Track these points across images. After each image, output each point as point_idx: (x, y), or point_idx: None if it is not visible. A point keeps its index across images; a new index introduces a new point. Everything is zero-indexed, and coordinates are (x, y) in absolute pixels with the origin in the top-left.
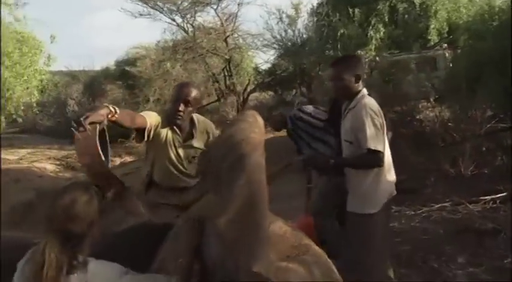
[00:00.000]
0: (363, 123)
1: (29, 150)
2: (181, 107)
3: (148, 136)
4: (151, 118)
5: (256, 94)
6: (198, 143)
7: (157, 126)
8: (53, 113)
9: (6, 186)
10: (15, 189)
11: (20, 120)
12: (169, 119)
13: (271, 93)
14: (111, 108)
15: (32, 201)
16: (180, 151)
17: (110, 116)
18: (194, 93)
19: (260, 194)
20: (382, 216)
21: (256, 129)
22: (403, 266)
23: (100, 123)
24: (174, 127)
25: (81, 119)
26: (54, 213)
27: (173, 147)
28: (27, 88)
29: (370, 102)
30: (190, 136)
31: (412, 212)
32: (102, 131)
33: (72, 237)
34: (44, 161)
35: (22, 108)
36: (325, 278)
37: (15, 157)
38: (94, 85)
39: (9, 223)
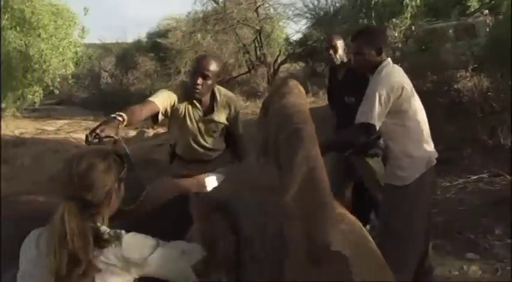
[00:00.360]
0: (367, 95)
1: (66, 121)
2: (199, 81)
3: (165, 115)
4: (162, 99)
5: (287, 65)
6: (218, 116)
7: (173, 102)
8: (87, 85)
9: (45, 156)
10: (54, 159)
11: (56, 91)
12: (188, 93)
13: (302, 64)
14: (118, 118)
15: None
16: (201, 125)
17: (120, 125)
18: (213, 66)
19: (319, 167)
20: (421, 186)
21: (303, 101)
22: (439, 237)
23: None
24: (194, 101)
25: (95, 135)
26: (70, 179)
27: (193, 121)
28: (63, 60)
29: (388, 73)
30: (211, 110)
31: (448, 183)
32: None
33: (89, 206)
34: (80, 131)
35: (58, 80)
36: (360, 246)
37: (53, 128)
38: (126, 57)
39: (48, 193)
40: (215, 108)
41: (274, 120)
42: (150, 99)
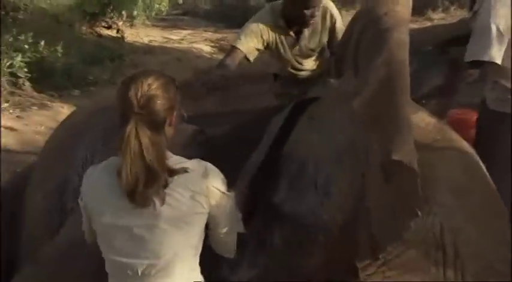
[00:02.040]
0: None
1: (189, 32)
2: (315, 13)
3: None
4: (247, 43)
5: None
6: (313, 40)
7: (261, 40)
8: None
9: (170, 64)
10: (177, 67)
11: (180, 1)
12: (295, 22)
13: None
14: None
15: (190, 79)
16: (295, 51)
17: None
18: None
19: (401, 75)
20: None
21: (401, 1)
22: None
23: None
24: (289, 30)
25: None
26: (134, 95)
27: (287, 50)
28: None
29: None
30: (306, 34)
31: None
32: None
33: (156, 121)
34: (201, 42)
35: None
36: (469, 174)
37: (177, 37)
38: None
39: None
40: (308, 32)
41: (360, 21)
42: (236, 45)
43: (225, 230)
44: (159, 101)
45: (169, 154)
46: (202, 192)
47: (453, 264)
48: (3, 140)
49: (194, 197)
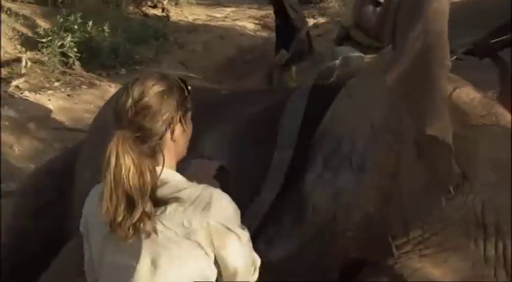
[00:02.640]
0: None
1: (233, 9)
2: None
3: None
4: None
5: None
6: None
7: None
8: None
9: (213, 42)
10: (220, 45)
11: None
12: None
13: None
14: None
15: (233, 57)
16: None
17: None
18: None
19: (439, 47)
20: None
21: None
22: None
23: None
24: None
25: None
26: (123, 104)
27: None
28: None
29: None
30: None
31: None
32: None
33: (147, 137)
34: (245, 19)
35: None
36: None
37: (221, 15)
38: None
39: (213, 78)
40: None
41: None
42: None
43: (233, 278)
44: (151, 114)
45: (170, 176)
46: (201, 230)
47: (494, 242)
48: (56, 118)
49: (189, 236)
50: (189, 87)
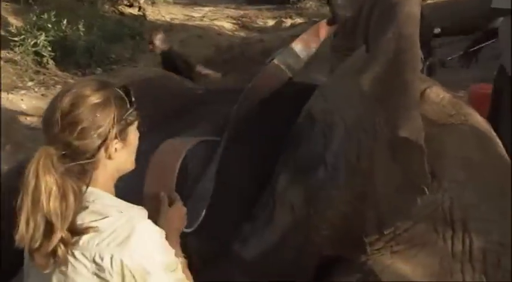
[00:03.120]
0: None
1: (210, 9)
2: None
3: None
4: None
5: None
6: None
7: None
8: None
9: (191, 41)
10: (198, 45)
11: None
12: None
13: None
14: None
15: (211, 57)
16: None
17: None
18: None
19: (410, 50)
20: None
21: None
22: None
23: None
24: None
25: None
26: (52, 117)
27: None
28: None
29: None
30: None
31: None
32: None
33: (75, 155)
34: (223, 19)
35: None
36: (482, 149)
37: (199, 15)
38: None
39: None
40: None
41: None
42: None
43: None
44: (81, 130)
45: (97, 199)
46: (114, 268)
47: (461, 239)
48: (29, 119)
49: (99, 273)
50: (133, 98)
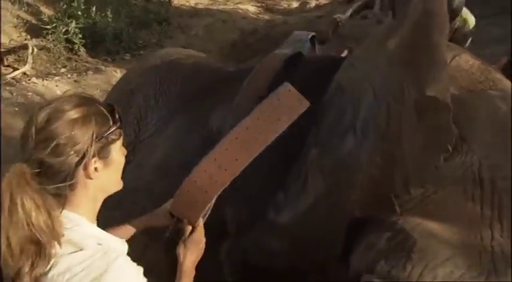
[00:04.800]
0: None
1: None
2: None
3: None
4: None
5: None
6: None
7: None
8: None
9: (215, 26)
10: (222, 29)
11: None
12: None
13: None
14: None
15: (236, 40)
16: None
17: None
18: None
19: (437, 12)
20: None
21: None
22: None
23: None
24: None
25: None
26: (27, 133)
27: None
28: None
29: None
30: None
31: None
32: None
33: (51, 175)
34: (247, 2)
35: None
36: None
37: None
38: None
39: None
40: None
41: None
42: None
43: None
44: (55, 146)
45: (75, 226)
46: None
47: (490, 199)
48: None
49: None
50: (118, 115)
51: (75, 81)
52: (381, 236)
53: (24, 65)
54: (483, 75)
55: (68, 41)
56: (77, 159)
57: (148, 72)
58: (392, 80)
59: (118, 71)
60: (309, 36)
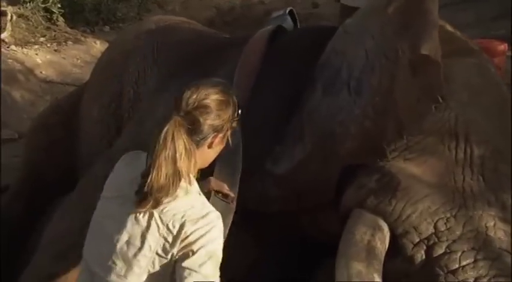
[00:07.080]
0: None
1: None
2: None
3: None
4: None
5: None
6: None
7: None
8: None
9: (191, 2)
10: (199, 6)
11: None
12: None
13: None
14: None
15: (213, 18)
16: None
17: None
18: None
19: None
20: None
21: None
22: None
23: None
24: None
25: None
26: (188, 99)
27: None
28: None
29: None
30: None
31: None
32: None
33: (195, 133)
34: None
35: None
36: (484, 78)
37: None
38: None
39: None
40: None
41: None
42: None
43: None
44: (207, 114)
45: (190, 186)
46: (179, 236)
47: (463, 148)
48: (44, 72)
49: (166, 237)
50: (240, 111)
51: (55, 50)
52: (370, 177)
53: (3, 32)
54: (462, 44)
55: (46, 10)
56: (213, 130)
57: (145, 34)
58: (386, 43)
59: (98, 42)
60: (287, 11)
